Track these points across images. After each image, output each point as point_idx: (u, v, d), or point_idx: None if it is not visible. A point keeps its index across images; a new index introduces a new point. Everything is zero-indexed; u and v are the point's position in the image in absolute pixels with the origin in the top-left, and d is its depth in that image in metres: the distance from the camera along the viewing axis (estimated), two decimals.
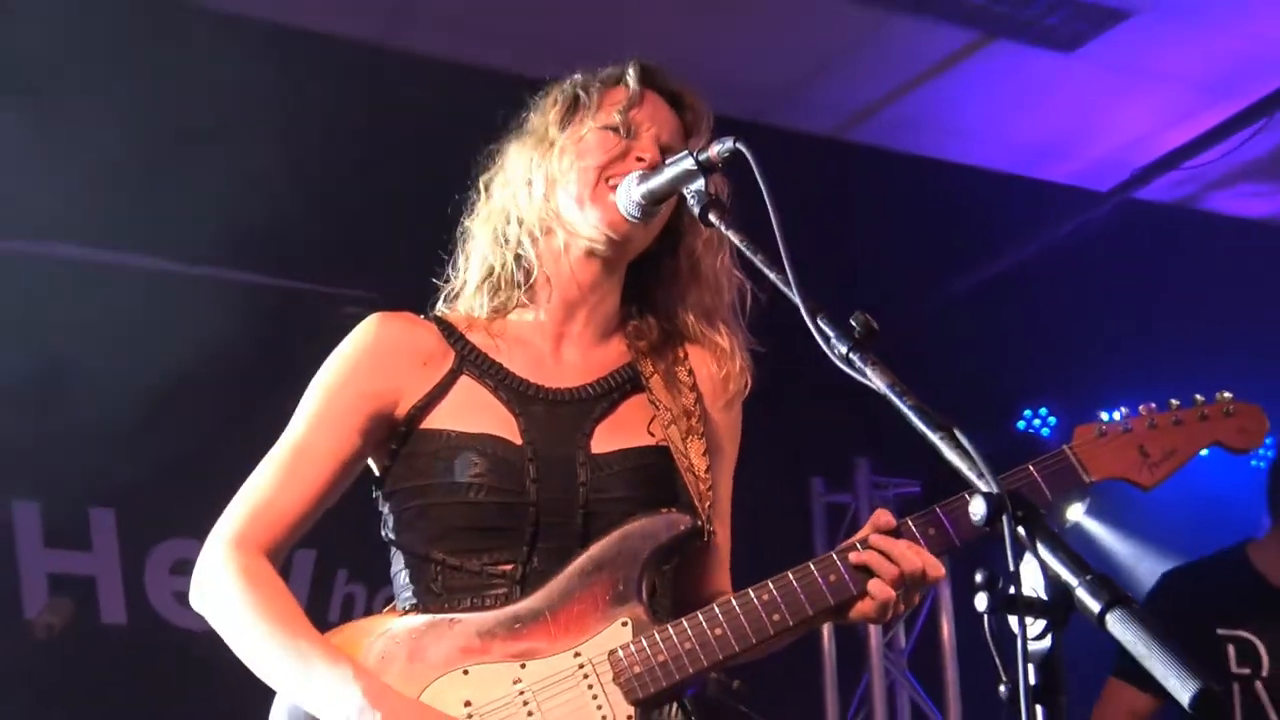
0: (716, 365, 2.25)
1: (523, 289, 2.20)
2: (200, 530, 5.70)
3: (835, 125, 5.39)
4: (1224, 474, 6.17)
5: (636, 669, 1.94)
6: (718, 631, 1.96)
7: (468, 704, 1.92)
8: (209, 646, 5.47)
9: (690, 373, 2.23)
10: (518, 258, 2.18)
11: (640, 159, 2.12)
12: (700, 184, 2.02)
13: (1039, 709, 1.49)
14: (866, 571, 1.97)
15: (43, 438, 5.12)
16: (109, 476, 5.32)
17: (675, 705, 2.02)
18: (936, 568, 1.99)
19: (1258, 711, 3.41)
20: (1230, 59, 5.03)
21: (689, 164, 2.05)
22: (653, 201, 2.09)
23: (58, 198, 4.72)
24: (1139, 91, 5.26)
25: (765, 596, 1.98)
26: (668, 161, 2.10)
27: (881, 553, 1.97)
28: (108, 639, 5.30)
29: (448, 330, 2.18)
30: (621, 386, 2.18)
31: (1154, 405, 2.14)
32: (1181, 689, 1.47)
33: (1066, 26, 4.86)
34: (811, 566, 2.00)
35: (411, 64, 4.90)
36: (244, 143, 4.56)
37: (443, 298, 2.28)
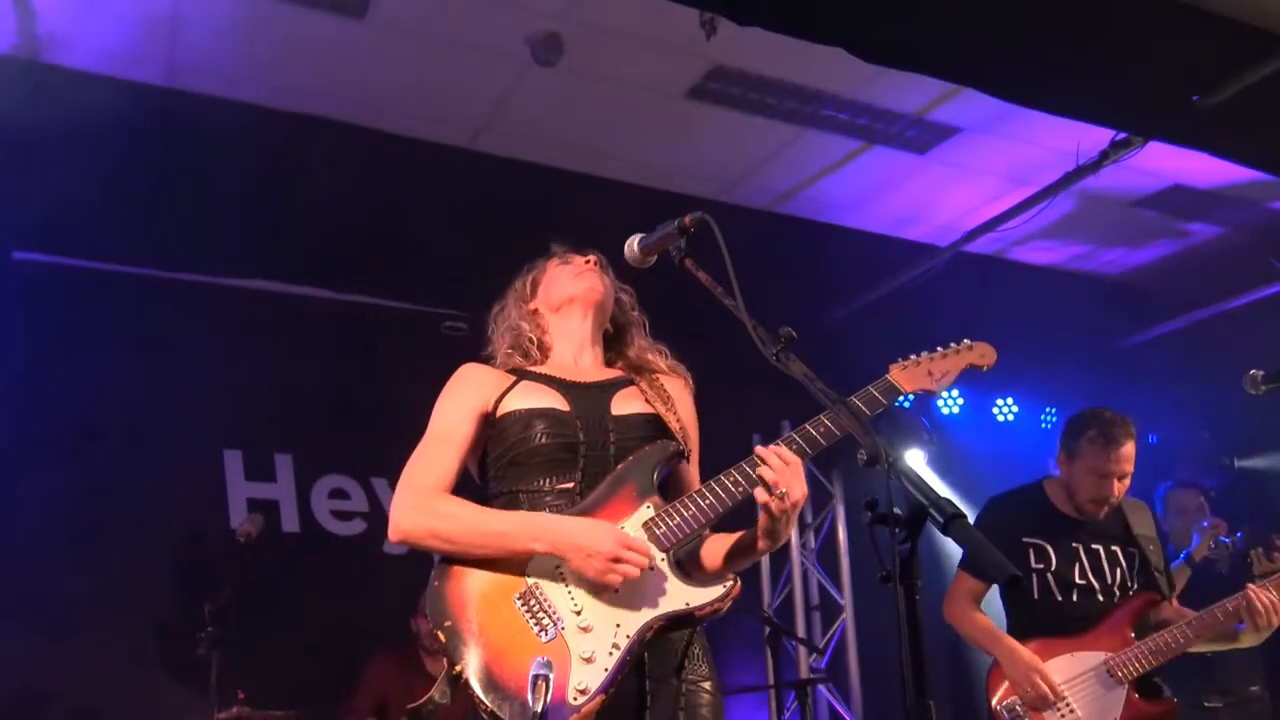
0: (675, 380, 2.39)
1: (542, 355, 2.38)
2: (346, 468, 5.74)
3: (768, 202, 5.40)
4: (1022, 441, 6.21)
5: (661, 529, 2.05)
6: (707, 501, 2.07)
7: None
8: (354, 547, 5.54)
9: (661, 385, 2.33)
10: (537, 342, 2.38)
11: (586, 260, 2.43)
12: (680, 242, 2.06)
13: (901, 588, 1.51)
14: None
15: (237, 414, 5.15)
16: (286, 435, 5.37)
17: (691, 642, 2.11)
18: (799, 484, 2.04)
19: (1047, 592, 3.39)
20: (1026, 159, 5.04)
21: (671, 229, 2.08)
22: (646, 253, 2.18)
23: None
24: (967, 180, 5.26)
25: (730, 478, 2.08)
26: (657, 228, 2.15)
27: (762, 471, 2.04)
28: (286, 542, 5.32)
29: (506, 369, 2.34)
30: (623, 383, 2.30)
31: (934, 348, 2.32)
32: (999, 576, 1.49)
33: (919, 138, 4.89)
34: (744, 464, 2.09)
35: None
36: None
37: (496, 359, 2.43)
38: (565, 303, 2.37)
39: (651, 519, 2.07)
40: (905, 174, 5.18)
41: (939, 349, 2.32)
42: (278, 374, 5.30)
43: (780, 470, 2.00)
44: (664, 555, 2.05)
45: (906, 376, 2.24)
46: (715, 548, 2.23)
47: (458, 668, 1.94)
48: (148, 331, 5.00)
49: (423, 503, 2.09)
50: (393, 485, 5.72)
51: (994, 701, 3.29)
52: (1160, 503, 4.92)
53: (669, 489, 2.18)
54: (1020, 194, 5.25)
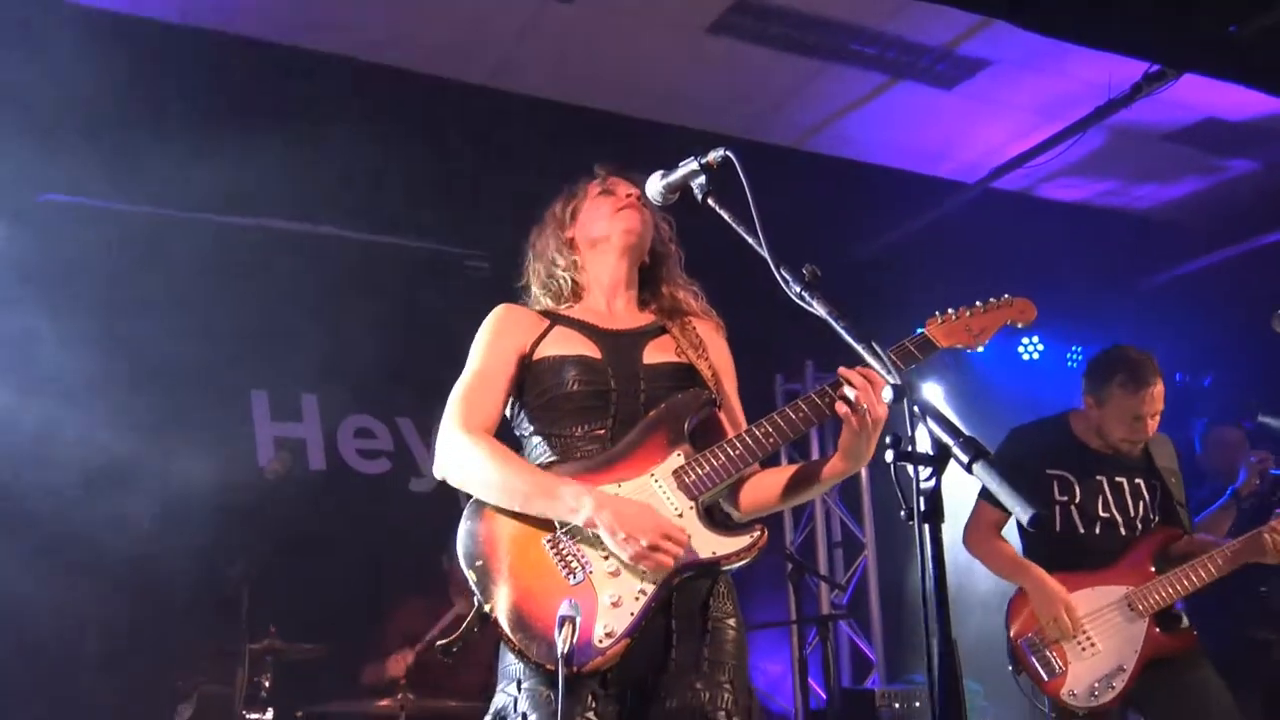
0: (707, 323, 2.37)
1: (575, 296, 2.35)
2: (371, 408, 5.78)
3: (795, 139, 5.33)
4: (1047, 379, 6.16)
5: (690, 478, 2.07)
6: (737, 451, 2.08)
7: None
8: (380, 485, 5.60)
9: (694, 329, 2.32)
10: (570, 281, 2.34)
11: (629, 194, 2.31)
12: (702, 179, 2.04)
13: (926, 526, 1.50)
14: (820, 408, 2.08)
15: (264, 356, 5.18)
16: (311, 376, 5.41)
17: (716, 581, 2.12)
18: (882, 403, 2.01)
19: (1070, 525, 3.38)
20: (1055, 93, 4.94)
21: (694, 165, 2.05)
22: (670, 190, 2.14)
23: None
24: (995, 115, 5.17)
25: (761, 429, 2.09)
26: (680, 165, 2.11)
27: (847, 390, 2.04)
28: (313, 480, 5.38)
29: (540, 311, 2.32)
30: (656, 331, 2.29)
31: (973, 303, 2.28)
32: (1022, 513, 1.48)
33: (947, 72, 4.79)
34: (787, 409, 2.10)
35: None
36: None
37: (526, 300, 2.40)
38: (601, 240, 2.32)
39: (681, 467, 2.07)
40: (933, 109, 5.09)
41: (978, 303, 2.28)
42: (302, 316, 5.32)
43: (864, 387, 2.00)
44: (692, 504, 2.06)
45: (943, 331, 2.22)
46: (764, 483, 2.22)
47: (487, 606, 1.96)
48: (173, 274, 5.02)
49: (471, 447, 2.09)
50: (417, 425, 5.79)
51: (1013, 633, 3.29)
52: (1199, 440, 4.87)
53: (703, 436, 2.17)
54: (1050, 129, 5.15)
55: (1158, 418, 3.37)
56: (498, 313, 2.30)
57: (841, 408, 2.02)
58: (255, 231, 5.25)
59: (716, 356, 2.30)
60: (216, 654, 3.92)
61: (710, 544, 2.04)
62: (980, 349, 2.24)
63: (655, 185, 2.14)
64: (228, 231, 5.19)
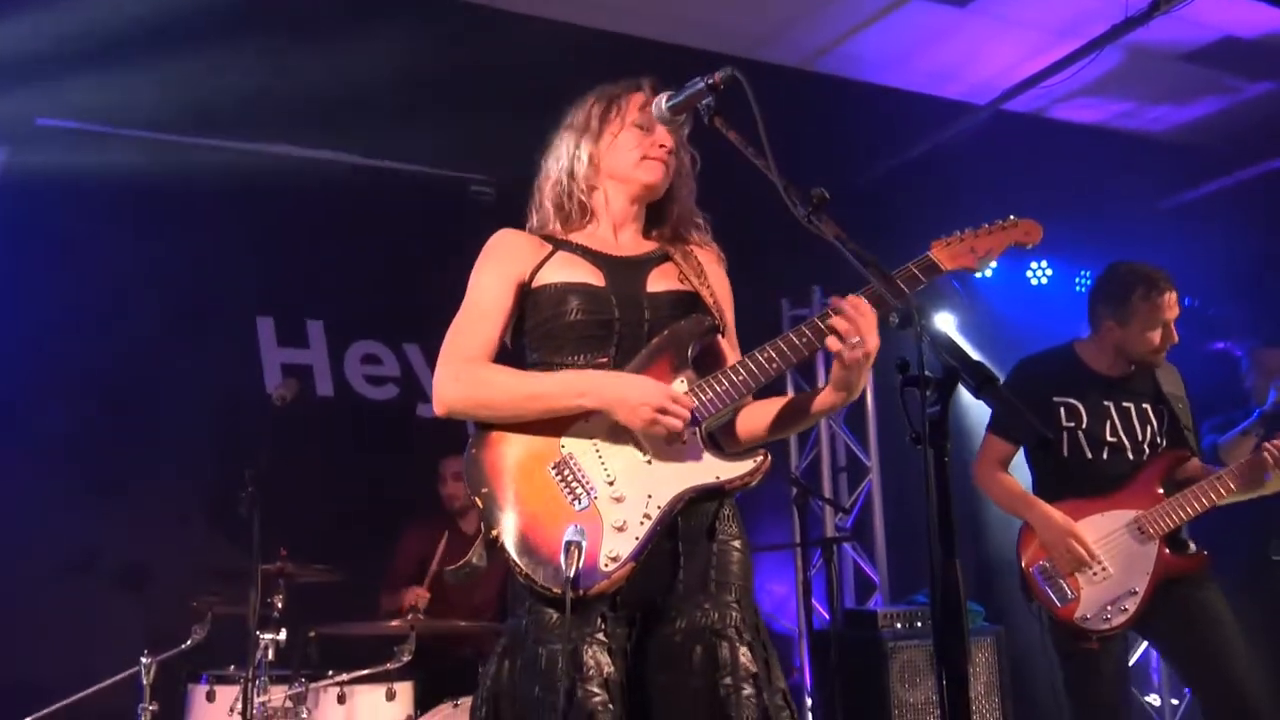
0: (708, 253, 2.34)
1: (582, 217, 2.28)
2: (377, 334, 5.82)
3: (800, 59, 5.24)
4: (1056, 304, 6.14)
5: (695, 405, 2.05)
6: (741, 376, 2.07)
7: None
8: (387, 411, 5.65)
9: (695, 257, 2.29)
10: (579, 202, 2.26)
11: (662, 146, 2.22)
12: (709, 100, 2.01)
13: (931, 450, 1.51)
14: (820, 331, 2.05)
15: (269, 282, 5.19)
16: (316, 301, 5.42)
17: (722, 504, 2.13)
18: (874, 334, 2.01)
19: (1078, 450, 3.40)
20: (1071, 11, 4.83)
21: (700, 86, 2.03)
22: (675, 112, 2.13)
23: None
24: (1008, 34, 5.07)
25: (764, 354, 2.08)
26: (685, 86, 2.09)
27: (835, 321, 2.01)
28: (320, 406, 5.42)
29: (542, 236, 2.26)
30: (659, 259, 2.26)
31: (980, 225, 2.23)
32: (1031, 437, 1.49)
33: None
34: (790, 334, 2.08)
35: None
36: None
37: (532, 225, 2.32)
38: (619, 178, 2.26)
39: (685, 394, 2.07)
40: (944, 28, 4.99)
41: (984, 225, 2.23)
42: (307, 241, 5.31)
43: (854, 319, 1.98)
44: (695, 430, 2.06)
45: (948, 254, 2.17)
46: (759, 413, 2.23)
47: (494, 532, 1.98)
48: (177, 199, 5.00)
49: (464, 372, 2.09)
50: (424, 350, 5.82)
51: (1025, 562, 3.33)
52: (1246, 357, 4.90)
53: (703, 364, 2.16)
54: (1064, 48, 5.05)
55: (1174, 323, 3.39)
56: (496, 239, 2.25)
57: (832, 342, 2.00)
58: (259, 156, 5.21)
59: (717, 284, 2.28)
60: (229, 576, 3.99)
61: (714, 468, 2.05)
62: (985, 272, 2.22)
63: (661, 107, 2.12)
64: (231, 156, 5.15)
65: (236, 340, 5.29)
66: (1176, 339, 3.40)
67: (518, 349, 2.24)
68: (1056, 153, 5.89)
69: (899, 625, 4.54)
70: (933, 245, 2.20)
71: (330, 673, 3.80)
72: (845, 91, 5.44)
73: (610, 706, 1.91)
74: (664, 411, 1.97)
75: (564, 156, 2.29)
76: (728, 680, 1.96)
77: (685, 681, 2.00)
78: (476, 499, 2.02)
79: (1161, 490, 3.32)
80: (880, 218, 5.66)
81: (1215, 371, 5.22)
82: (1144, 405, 3.43)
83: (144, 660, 3.65)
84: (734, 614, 2.05)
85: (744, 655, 2.00)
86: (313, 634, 4.08)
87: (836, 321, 1.99)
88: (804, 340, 2.05)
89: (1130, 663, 5.12)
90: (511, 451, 2.06)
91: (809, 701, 5.41)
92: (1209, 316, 6.83)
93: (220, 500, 4.37)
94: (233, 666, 3.78)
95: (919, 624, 4.57)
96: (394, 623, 3.99)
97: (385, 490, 5.14)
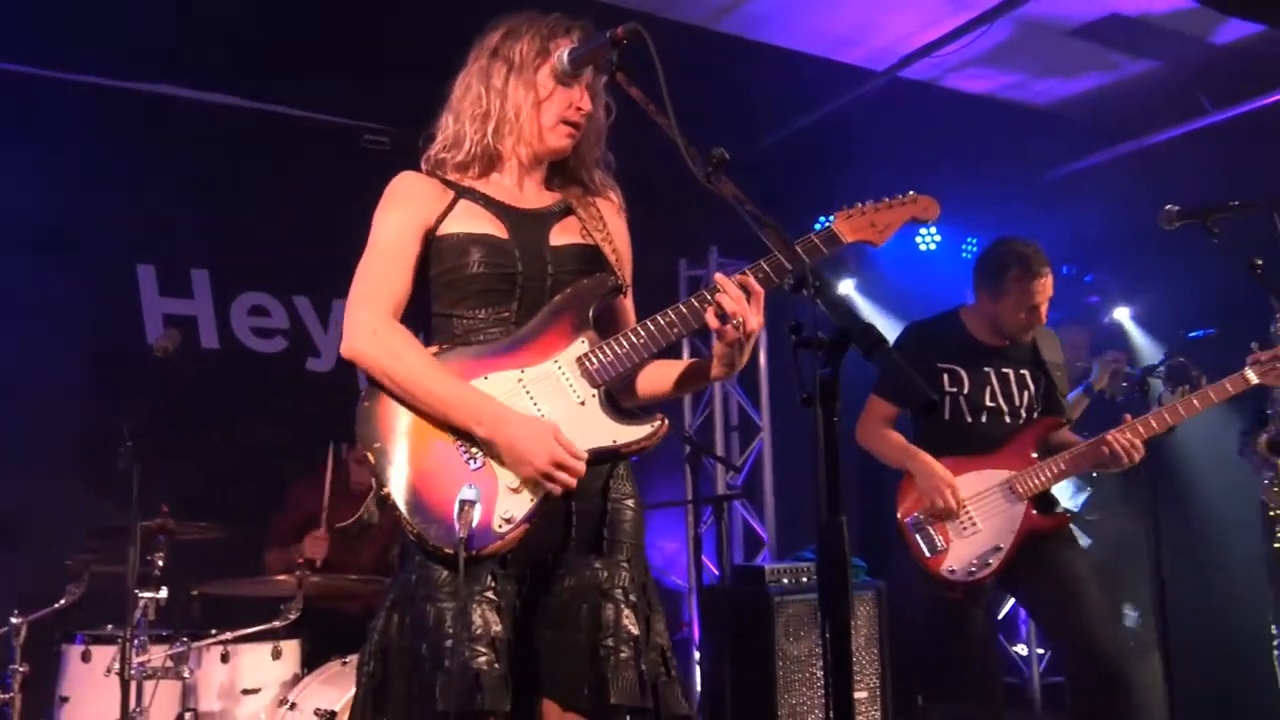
0: (609, 203, 2.31)
1: (486, 163, 2.22)
2: (266, 285, 5.67)
3: (703, 17, 5.23)
4: (942, 269, 6.32)
5: (594, 365, 2.07)
6: (641, 339, 2.08)
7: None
8: (276, 364, 5.52)
9: (597, 207, 2.27)
10: (487, 146, 2.19)
11: (579, 109, 2.16)
12: (612, 55, 2.00)
13: (821, 410, 1.55)
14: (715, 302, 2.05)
15: (151, 229, 4.99)
16: (202, 250, 5.24)
17: (618, 464, 2.15)
18: (757, 314, 2.04)
19: (958, 414, 3.56)
20: None
21: (604, 40, 2.02)
22: (576, 65, 2.12)
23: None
24: (906, 2, 5.15)
25: (665, 318, 2.09)
26: (590, 39, 2.08)
27: (722, 298, 2.03)
28: (206, 359, 5.27)
29: (444, 180, 2.20)
30: (563, 212, 2.23)
31: (881, 199, 2.30)
32: (918, 401, 1.54)
33: None
34: (692, 299, 2.09)
35: None
36: None
37: (432, 164, 2.24)
38: (531, 137, 2.18)
39: (585, 354, 2.07)
40: None
41: (885, 199, 2.30)
42: (192, 187, 5.11)
43: (739, 299, 2.00)
44: (595, 392, 2.07)
45: (850, 226, 2.23)
46: (658, 373, 2.24)
47: (385, 489, 1.96)
48: (52, 138, 4.75)
49: (384, 334, 2.04)
50: (314, 303, 5.69)
51: (900, 514, 3.47)
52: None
53: (602, 322, 2.17)
54: (959, 19, 5.16)
55: (1047, 304, 3.53)
56: (400, 181, 2.19)
57: (713, 320, 2.02)
58: (144, 97, 4.99)
59: (618, 237, 2.27)
60: (107, 533, 3.86)
61: (611, 432, 2.06)
62: (882, 243, 2.28)
63: (563, 60, 2.10)
64: (113, 96, 4.92)
65: (115, 289, 5.08)
66: (1043, 322, 3.57)
67: (422, 298, 2.19)
68: (949, 121, 6.02)
69: (785, 580, 4.66)
70: (835, 217, 2.25)
71: (213, 632, 3.73)
72: (746, 52, 5.45)
73: (496, 665, 1.92)
74: (548, 477, 1.96)
75: (484, 92, 2.18)
76: (609, 641, 2.00)
77: (570, 638, 2.03)
78: (368, 454, 1.99)
79: (1035, 453, 3.48)
80: (778, 179, 5.73)
81: None
82: (1023, 371, 3.59)
83: (14, 620, 3.54)
84: (623, 573, 2.08)
85: (626, 617, 2.03)
86: (195, 593, 3.99)
87: (723, 299, 2.01)
88: (706, 305, 2.07)
89: (1000, 615, 5.40)
90: (407, 407, 2.03)
91: (696, 655, 5.52)
92: (1086, 284, 7.13)
93: (97, 454, 4.22)
94: (110, 626, 3.68)
95: (805, 579, 4.69)
96: (280, 576, 3.92)
97: (273, 445, 5.03)
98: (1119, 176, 6.42)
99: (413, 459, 1.99)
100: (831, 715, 1.50)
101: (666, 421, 2.09)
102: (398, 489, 1.96)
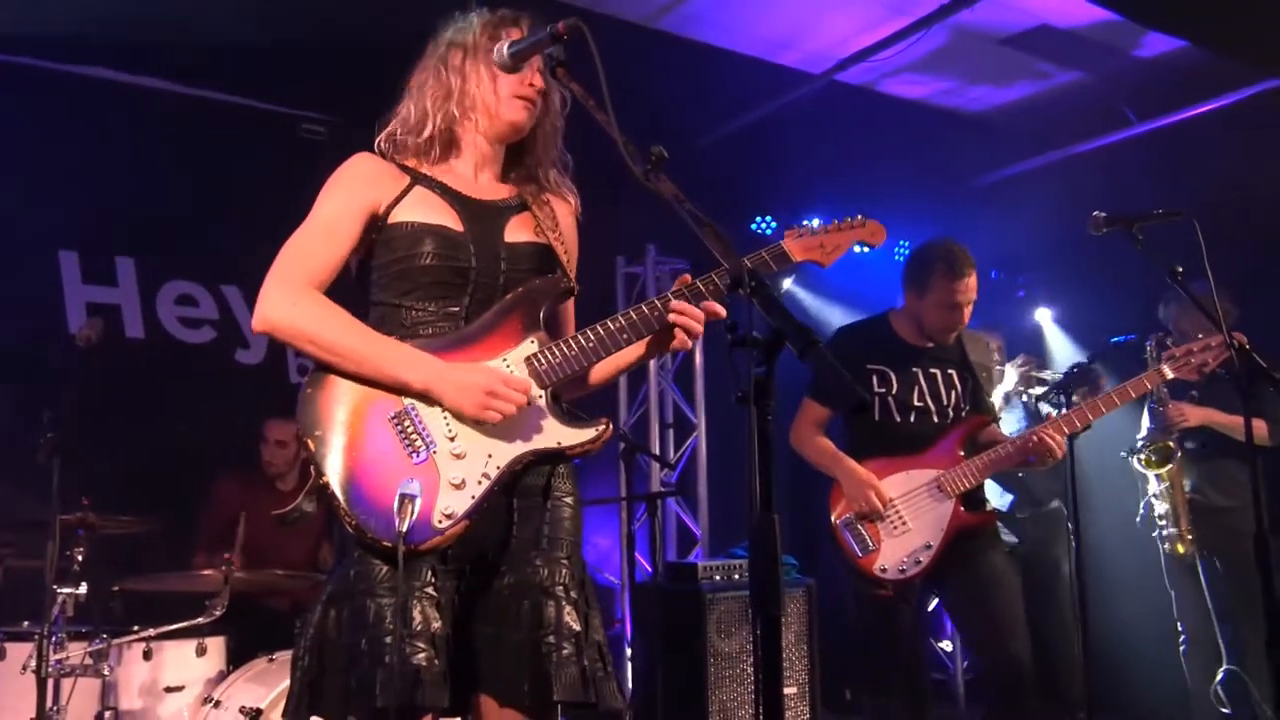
0: (564, 205, 2.31)
1: (445, 149, 2.21)
2: (194, 274, 5.56)
3: (646, 15, 5.24)
4: (874, 271, 6.41)
5: (543, 366, 2.06)
6: (591, 343, 2.08)
7: None
8: (203, 355, 5.42)
9: (551, 207, 2.26)
10: (447, 130, 2.18)
11: (532, 85, 2.17)
12: (553, 50, 2.01)
13: (755, 409, 1.56)
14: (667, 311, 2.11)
15: (74, 214, 4.86)
16: (128, 237, 5.13)
17: (560, 464, 2.15)
18: (702, 318, 2.11)
19: (887, 414, 3.62)
20: None
21: (544, 35, 2.02)
22: (516, 59, 2.11)
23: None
24: (845, 6, 5.20)
25: (616, 324, 2.10)
26: (532, 33, 2.09)
27: (681, 320, 2.10)
28: (130, 349, 5.15)
29: (400, 165, 2.17)
30: (518, 206, 2.22)
31: (831, 220, 2.35)
32: (850, 402, 1.56)
33: None
34: (642, 306, 2.11)
35: None
36: None
37: (391, 145, 2.22)
38: (487, 115, 2.18)
39: (535, 354, 2.06)
40: None
41: (835, 221, 2.36)
42: (120, 172, 4.99)
43: (698, 318, 2.09)
44: (543, 392, 2.06)
45: (799, 246, 2.28)
46: (602, 367, 2.25)
47: (324, 479, 1.92)
48: None
49: (301, 299, 2.00)
50: (245, 293, 5.60)
51: (834, 517, 3.53)
52: None
53: (551, 324, 2.17)
54: (896, 24, 5.23)
55: (971, 306, 3.61)
56: (355, 162, 2.15)
57: (678, 340, 2.12)
58: (73, 80, 4.85)
59: (569, 240, 2.27)
60: (25, 527, 3.76)
61: (557, 433, 2.06)
62: (828, 265, 2.34)
63: (503, 53, 2.09)
64: (40, 78, 4.79)
65: (36, 275, 4.95)
66: (965, 322, 3.65)
67: (362, 285, 2.16)
68: (884, 125, 6.11)
69: (718, 577, 4.69)
70: (786, 234, 2.31)
71: (135, 628, 3.65)
72: (685, 51, 5.47)
73: (436, 662, 1.91)
74: (494, 395, 1.97)
75: (444, 71, 2.19)
76: (550, 638, 2.00)
77: (509, 635, 2.02)
78: (308, 441, 1.95)
79: (962, 452, 3.55)
80: (716, 179, 5.77)
81: None
82: (949, 371, 3.67)
83: None
84: (564, 570, 2.08)
85: (568, 613, 2.03)
86: (117, 588, 3.90)
87: (684, 321, 2.08)
88: (655, 314, 2.10)
89: (929, 609, 5.50)
90: (350, 396, 1.99)
91: (629, 652, 5.54)
92: (1017, 288, 7.29)
93: (17, 445, 4.10)
94: (27, 623, 3.58)
95: (737, 576, 4.73)
96: (205, 572, 3.85)
97: (200, 438, 4.94)
98: (1049, 183, 6.57)
99: (354, 449, 1.95)
100: (761, 711, 1.52)
101: (610, 426, 2.10)
102: (336, 479, 1.92)
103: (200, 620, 3.71)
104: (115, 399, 4.75)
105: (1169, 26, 5.00)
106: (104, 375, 4.68)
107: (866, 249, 2.47)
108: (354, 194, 2.10)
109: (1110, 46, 5.57)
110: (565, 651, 1.99)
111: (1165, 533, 4.66)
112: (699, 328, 2.09)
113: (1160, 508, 4.67)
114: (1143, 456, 4.64)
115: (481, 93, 2.17)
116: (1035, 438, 3.47)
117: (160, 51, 4.85)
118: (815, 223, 2.34)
